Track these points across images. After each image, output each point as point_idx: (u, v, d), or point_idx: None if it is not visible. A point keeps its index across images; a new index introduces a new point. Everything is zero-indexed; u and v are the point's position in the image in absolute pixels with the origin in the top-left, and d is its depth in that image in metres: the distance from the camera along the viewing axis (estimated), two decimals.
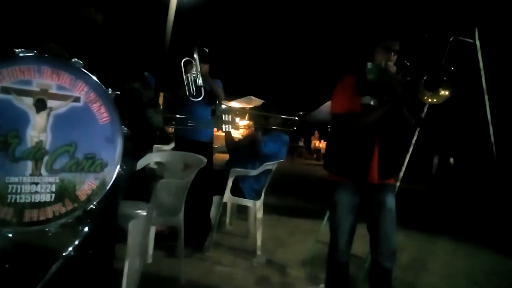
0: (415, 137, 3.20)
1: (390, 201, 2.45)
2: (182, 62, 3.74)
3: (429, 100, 2.17)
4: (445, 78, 2.12)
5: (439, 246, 4.71)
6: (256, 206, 3.75)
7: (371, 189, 2.46)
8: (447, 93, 2.15)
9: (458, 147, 11.97)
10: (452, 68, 2.12)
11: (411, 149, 3.19)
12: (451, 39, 3.29)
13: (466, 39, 3.34)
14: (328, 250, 2.64)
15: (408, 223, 4.86)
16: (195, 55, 3.71)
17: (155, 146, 4.91)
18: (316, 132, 21.92)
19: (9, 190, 1.70)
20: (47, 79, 1.77)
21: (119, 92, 1.96)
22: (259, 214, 3.75)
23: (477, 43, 3.35)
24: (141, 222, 2.52)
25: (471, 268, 3.96)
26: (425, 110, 3.16)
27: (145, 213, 2.57)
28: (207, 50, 3.80)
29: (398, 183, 2.99)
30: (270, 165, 3.80)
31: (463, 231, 5.46)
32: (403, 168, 3.13)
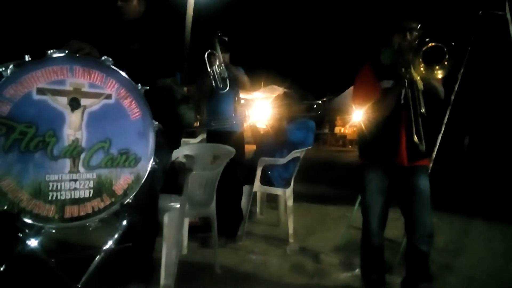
0: (446, 117, 3.12)
1: (423, 183, 2.43)
2: (206, 55, 3.75)
3: (423, 72, 2.17)
4: (446, 63, 2.12)
5: (473, 227, 4.61)
6: (286, 194, 3.75)
7: (402, 172, 2.44)
8: (439, 75, 2.16)
9: (491, 125, 11.60)
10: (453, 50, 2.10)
11: (443, 129, 3.12)
12: (480, 13, 3.18)
13: (496, 12, 3.22)
14: (361, 233, 2.65)
15: (441, 205, 4.76)
16: (216, 47, 3.72)
17: (182, 140, 4.97)
18: (338, 118, 21.71)
19: (50, 188, 1.76)
20: (79, 78, 1.81)
21: (148, 87, 1.98)
22: (290, 202, 3.75)
23: (508, 15, 3.22)
24: (175, 215, 2.56)
25: (508, 248, 3.86)
26: (456, 88, 3.08)
27: (178, 206, 2.62)
28: (226, 39, 3.80)
29: (431, 164, 2.93)
30: (298, 153, 3.79)
31: (497, 211, 5.31)
32: (435, 149, 3.07)
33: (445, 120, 3.12)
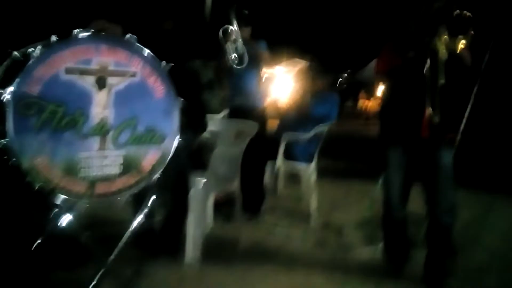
0: (475, 89, 3.02)
1: (445, 156, 2.39)
2: (221, 31, 3.66)
3: (447, 40, 2.12)
4: (470, 32, 2.06)
5: (499, 202, 4.52)
6: (310, 169, 3.75)
7: (424, 146, 2.40)
8: (462, 45, 2.09)
9: None
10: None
11: (471, 101, 3.03)
12: None
13: None
14: (383, 208, 2.65)
15: (468, 179, 4.69)
16: (233, 21, 3.62)
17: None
18: (362, 91, 21.32)
19: (81, 165, 1.82)
20: (105, 57, 1.84)
21: (173, 64, 1.99)
22: (313, 177, 3.76)
23: None
24: (201, 190, 2.61)
25: None
26: (486, 58, 2.97)
27: (203, 181, 2.66)
28: (246, 12, 3.71)
29: (458, 137, 2.87)
30: (322, 127, 3.76)
31: None
32: (464, 121, 3.00)
33: (475, 91, 3.02)
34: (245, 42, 3.65)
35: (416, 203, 2.92)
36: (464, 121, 3.00)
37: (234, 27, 3.58)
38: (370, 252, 2.95)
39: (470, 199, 4.41)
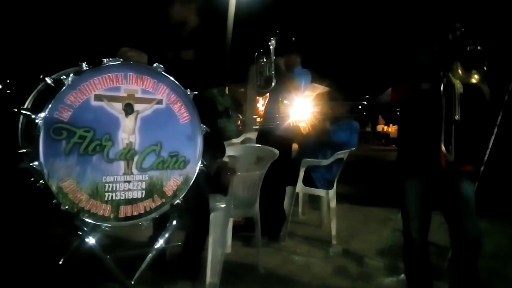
0: (499, 118, 2.98)
1: (466, 189, 2.33)
2: (256, 54, 3.60)
3: (461, 75, 2.09)
4: (484, 67, 2.02)
5: None
6: (329, 196, 3.73)
7: (442, 178, 2.37)
8: (474, 80, 2.06)
9: None
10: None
11: (495, 131, 2.99)
12: None
13: None
14: (403, 239, 2.60)
15: (492, 210, 4.58)
16: (270, 47, 3.61)
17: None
18: (380, 117, 21.29)
19: (106, 189, 1.86)
20: (133, 85, 1.90)
21: (196, 92, 2.05)
22: (333, 204, 3.73)
23: None
24: (221, 214, 2.62)
25: None
26: (511, 88, 2.94)
27: (224, 206, 2.68)
28: (293, 39, 3.73)
29: (482, 168, 2.83)
30: (342, 154, 3.75)
31: None
32: (487, 152, 2.95)
33: (498, 122, 2.99)
34: (279, 68, 3.62)
35: (440, 232, 2.87)
36: (487, 152, 2.94)
37: (271, 52, 3.55)
38: (392, 282, 2.89)
39: (494, 229, 4.30)
